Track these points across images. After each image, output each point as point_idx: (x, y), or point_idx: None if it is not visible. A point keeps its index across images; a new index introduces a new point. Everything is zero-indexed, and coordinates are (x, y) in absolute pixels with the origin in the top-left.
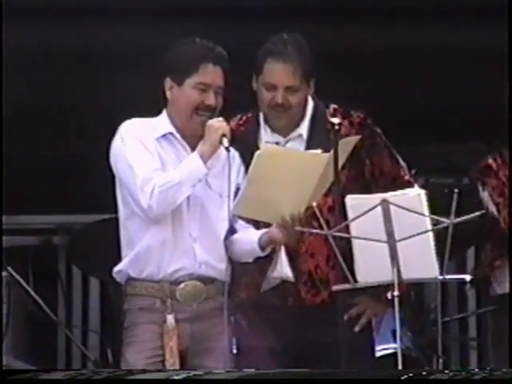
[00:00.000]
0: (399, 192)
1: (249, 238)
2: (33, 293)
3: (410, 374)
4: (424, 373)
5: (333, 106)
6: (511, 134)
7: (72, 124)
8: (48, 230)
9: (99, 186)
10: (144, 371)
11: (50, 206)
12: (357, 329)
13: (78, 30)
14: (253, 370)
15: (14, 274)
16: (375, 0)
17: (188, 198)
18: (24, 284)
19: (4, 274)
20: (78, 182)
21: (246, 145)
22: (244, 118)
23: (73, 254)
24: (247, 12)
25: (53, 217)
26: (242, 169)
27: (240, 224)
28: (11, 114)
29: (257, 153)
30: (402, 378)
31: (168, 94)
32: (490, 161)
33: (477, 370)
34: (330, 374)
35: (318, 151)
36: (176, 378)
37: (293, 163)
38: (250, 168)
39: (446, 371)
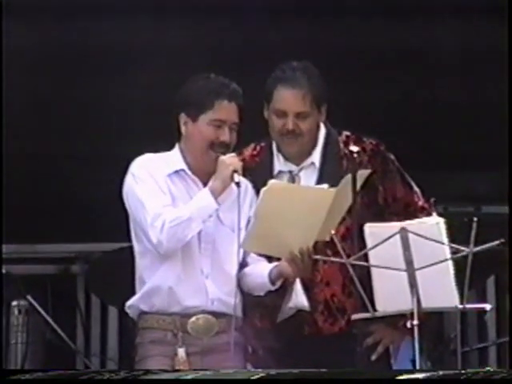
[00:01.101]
0: (417, 220)
1: (259, 272)
2: (51, 321)
3: (411, 375)
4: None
5: (345, 132)
6: (511, 136)
7: (87, 149)
8: (67, 259)
9: (118, 214)
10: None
11: (69, 235)
12: (373, 357)
13: (78, 30)
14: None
15: (33, 302)
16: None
17: (199, 233)
18: (43, 312)
19: (23, 302)
20: (97, 210)
21: (260, 175)
22: (258, 147)
23: (91, 283)
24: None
25: (72, 245)
26: (255, 200)
27: (252, 257)
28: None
29: (263, 189)
30: (402, 378)
31: (183, 129)
32: None
33: (477, 369)
34: (339, 374)
35: (325, 186)
36: (186, 377)
37: (299, 198)
38: (257, 204)
39: (447, 371)
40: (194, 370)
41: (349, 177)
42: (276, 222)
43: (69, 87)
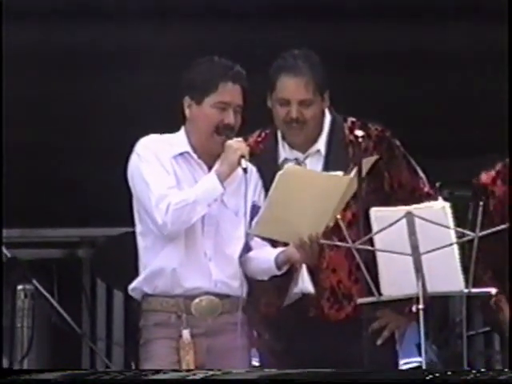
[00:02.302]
0: (424, 205)
1: (265, 257)
2: (57, 305)
3: (413, 376)
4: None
5: (350, 119)
6: (511, 135)
7: (94, 137)
8: (72, 243)
9: (123, 198)
10: (158, 371)
11: (74, 219)
12: (379, 342)
13: (79, 30)
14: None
15: (39, 286)
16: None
17: (203, 216)
18: (48, 297)
19: (28, 286)
20: (102, 194)
21: (265, 161)
22: (263, 134)
23: (97, 267)
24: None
25: (77, 230)
26: (260, 185)
27: (256, 241)
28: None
29: (279, 173)
30: (407, 378)
31: (187, 112)
32: None
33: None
34: (345, 375)
35: (340, 173)
36: (194, 378)
37: (314, 184)
38: (272, 188)
39: (447, 372)
40: (202, 369)
41: (364, 160)
42: (288, 207)
43: (69, 84)
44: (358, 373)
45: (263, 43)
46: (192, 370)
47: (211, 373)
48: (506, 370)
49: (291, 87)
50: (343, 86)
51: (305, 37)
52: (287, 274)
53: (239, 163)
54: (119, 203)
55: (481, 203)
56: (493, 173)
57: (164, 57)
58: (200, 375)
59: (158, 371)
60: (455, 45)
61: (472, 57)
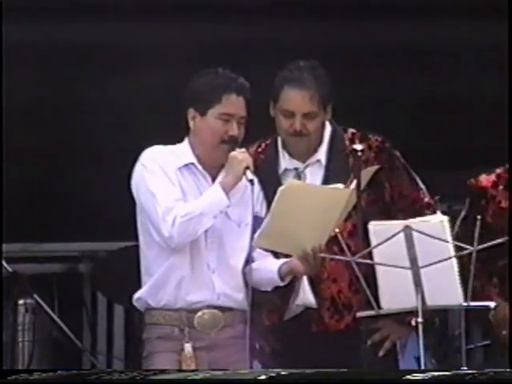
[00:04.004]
0: (422, 218)
1: (268, 267)
2: (58, 320)
3: (411, 375)
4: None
5: (351, 130)
6: (511, 135)
7: (94, 149)
8: (73, 258)
9: (123, 213)
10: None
11: (75, 234)
12: (381, 353)
13: (79, 30)
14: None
15: (40, 300)
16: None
17: (206, 229)
18: (49, 311)
19: (29, 301)
20: (103, 209)
21: (265, 172)
22: (263, 145)
23: (97, 281)
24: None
25: (78, 244)
26: (261, 196)
27: (258, 252)
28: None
29: (280, 188)
30: (404, 378)
31: (191, 124)
32: None
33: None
34: (344, 374)
35: (341, 186)
36: (195, 377)
37: (315, 198)
38: (274, 203)
39: (447, 372)
40: (203, 370)
41: (364, 171)
42: (291, 221)
43: (69, 86)
44: (358, 373)
45: (262, 42)
46: (193, 370)
47: (211, 373)
48: (508, 370)
49: (296, 100)
50: (341, 87)
51: (304, 36)
52: (290, 285)
53: (244, 174)
54: (119, 217)
55: (478, 217)
56: (493, 176)
57: (164, 57)
58: (201, 375)
59: (162, 371)
60: (456, 45)
61: (472, 57)
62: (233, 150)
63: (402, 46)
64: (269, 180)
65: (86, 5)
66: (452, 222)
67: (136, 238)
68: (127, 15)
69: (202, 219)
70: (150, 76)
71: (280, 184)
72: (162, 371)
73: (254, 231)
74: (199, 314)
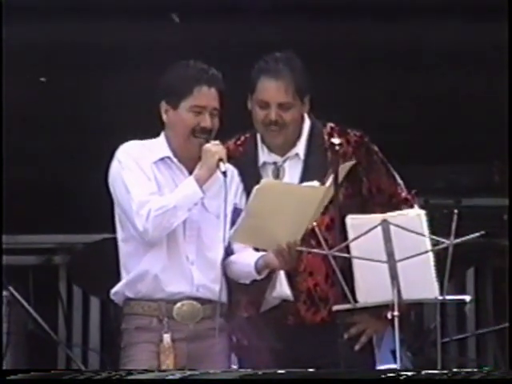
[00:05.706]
0: (399, 212)
1: (246, 261)
2: (33, 312)
3: (409, 374)
4: (423, 373)
5: (330, 124)
6: (511, 134)
7: (73, 142)
8: (49, 250)
9: (100, 205)
10: (144, 371)
11: (50, 226)
12: (357, 347)
13: (79, 30)
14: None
15: (15, 293)
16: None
17: (184, 221)
18: (24, 303)
19: (5, 293)
20: (79, 201)
21: (244, 164)
22: (242, 138)
23: (73, 274)
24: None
25: (54, 236)
26: (241, 187)
27: (238, 244)
28: (12, 127)
29: (256, 187)
30: (401, 378)
31: (164, 117)
32: None
33: (476, 370)
34: (331, 374)
35: (316, 183)
36: (173, 377)
37: (291, 196)
38: (249, 201)
39: (446, 371)
40: (180, 369)
41: (341, 166)
42: (266, 218)
43: (63, 85)
44: (350, 372)
45: (262, 43)
46: (171, 370)
47: (189, 373)
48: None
49: (271, 90)
50: (338, 85)
51: (302, 35)
52: (267, 278)
53: (218, 166)
54: (96, 210)
55: (455, 211)
56: None
57: (164, 57)
58: (180, 375)
59: (134, 371)
60: (455, 45)
61: (472, 57)
62: (207, 142)
63: (402, 46)
64: (248, 173)
65: (85, 5)
66: (428, 216)
67: (113, 231)
68: (127, 15)
69: (176, 212)
70: (150, 76)
71: (259, 177)
72: (140, 372)
73: (233, 223)
74: (178, 305)
